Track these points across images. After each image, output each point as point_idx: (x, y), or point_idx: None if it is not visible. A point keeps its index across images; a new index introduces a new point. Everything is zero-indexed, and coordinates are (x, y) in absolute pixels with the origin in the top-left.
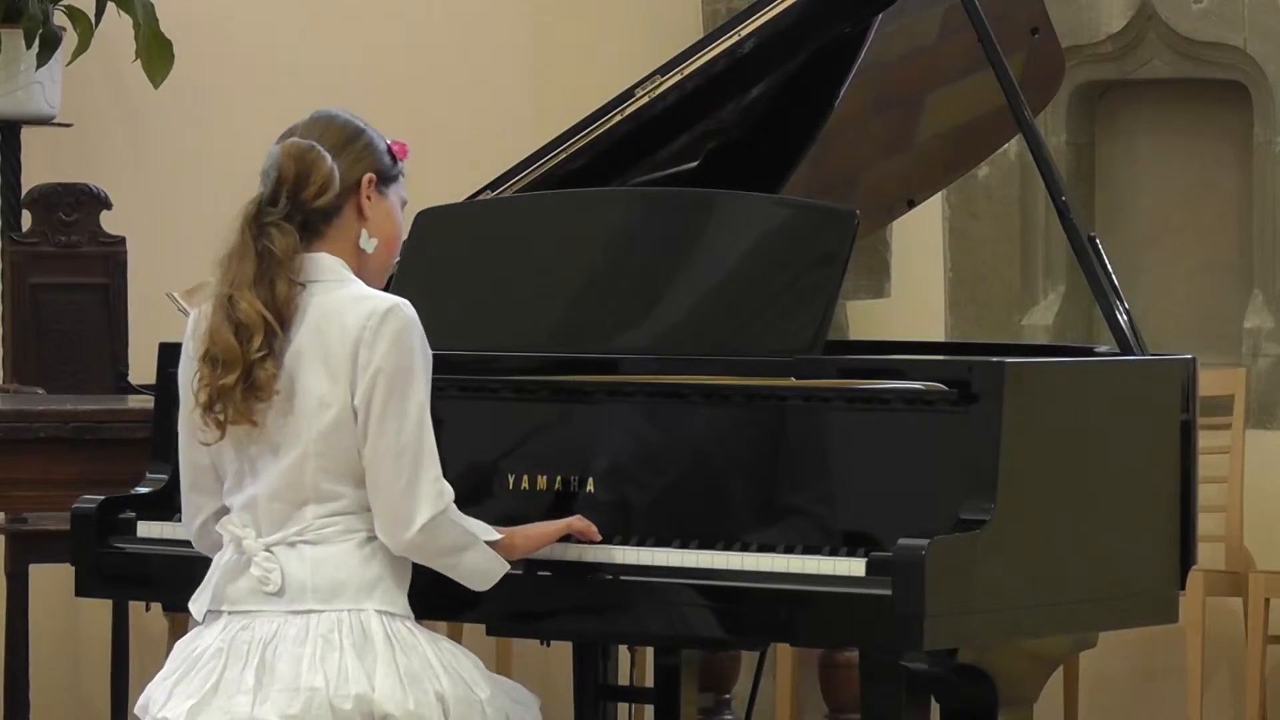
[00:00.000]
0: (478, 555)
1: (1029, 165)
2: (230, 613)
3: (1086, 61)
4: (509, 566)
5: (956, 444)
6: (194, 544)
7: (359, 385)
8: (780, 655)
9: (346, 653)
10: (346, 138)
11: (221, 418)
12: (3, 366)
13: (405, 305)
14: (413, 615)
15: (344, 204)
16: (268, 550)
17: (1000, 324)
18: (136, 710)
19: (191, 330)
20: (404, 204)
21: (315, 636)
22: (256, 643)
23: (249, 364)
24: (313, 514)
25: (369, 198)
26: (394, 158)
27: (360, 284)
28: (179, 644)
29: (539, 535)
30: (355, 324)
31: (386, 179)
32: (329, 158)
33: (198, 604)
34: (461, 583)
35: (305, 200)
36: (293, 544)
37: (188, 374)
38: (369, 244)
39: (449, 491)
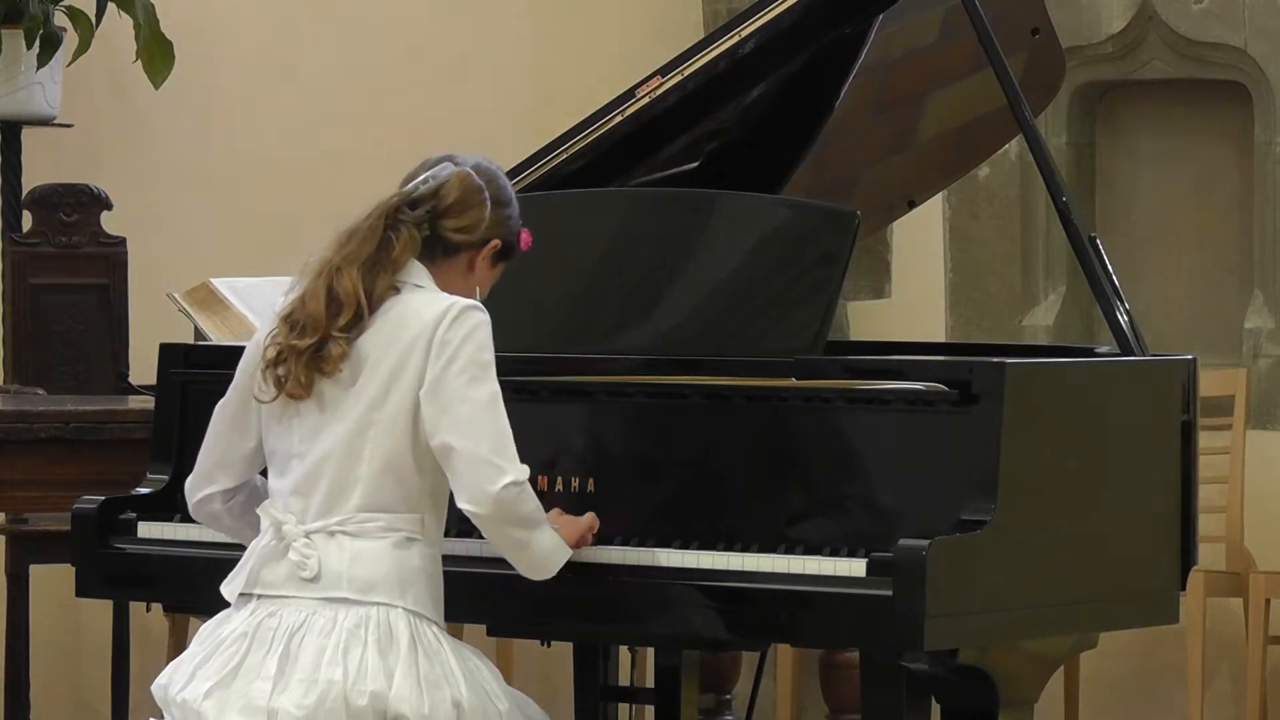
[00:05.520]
0: (548, 537)
1: (1030, 166)
2: (261, 596)
3: (1087, 62)
4: (570, 554)
5: (957, 444)
6: (192, 512)
7: (428, 375)
8: (781, 655)
9: (370, 649)
10: (503, 200)
11: (283, 379)
12: (3, 366)
13: (480, 307)
14: (443, 621)
15: (465, 250)
16: (307, 537)
17: (1000, 324)
18: (154, 688)
19: (276, 311)
20: (494, 285)
21: (341, 629)
22: (282, 631)
23: (327, 336)
24: (356, 505)
25: (484, 259)
26: (518, 241)
27: (439, 291)
28: (205, 626)
29: (574, 534)
30: (432, 318)
31: (504, 254)
32: (489, 209)
33: (230, 586)
34: (523, 568)
35: (444, 226)
36: (332, 534)
37: (254, 349)
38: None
39: (527, 470)
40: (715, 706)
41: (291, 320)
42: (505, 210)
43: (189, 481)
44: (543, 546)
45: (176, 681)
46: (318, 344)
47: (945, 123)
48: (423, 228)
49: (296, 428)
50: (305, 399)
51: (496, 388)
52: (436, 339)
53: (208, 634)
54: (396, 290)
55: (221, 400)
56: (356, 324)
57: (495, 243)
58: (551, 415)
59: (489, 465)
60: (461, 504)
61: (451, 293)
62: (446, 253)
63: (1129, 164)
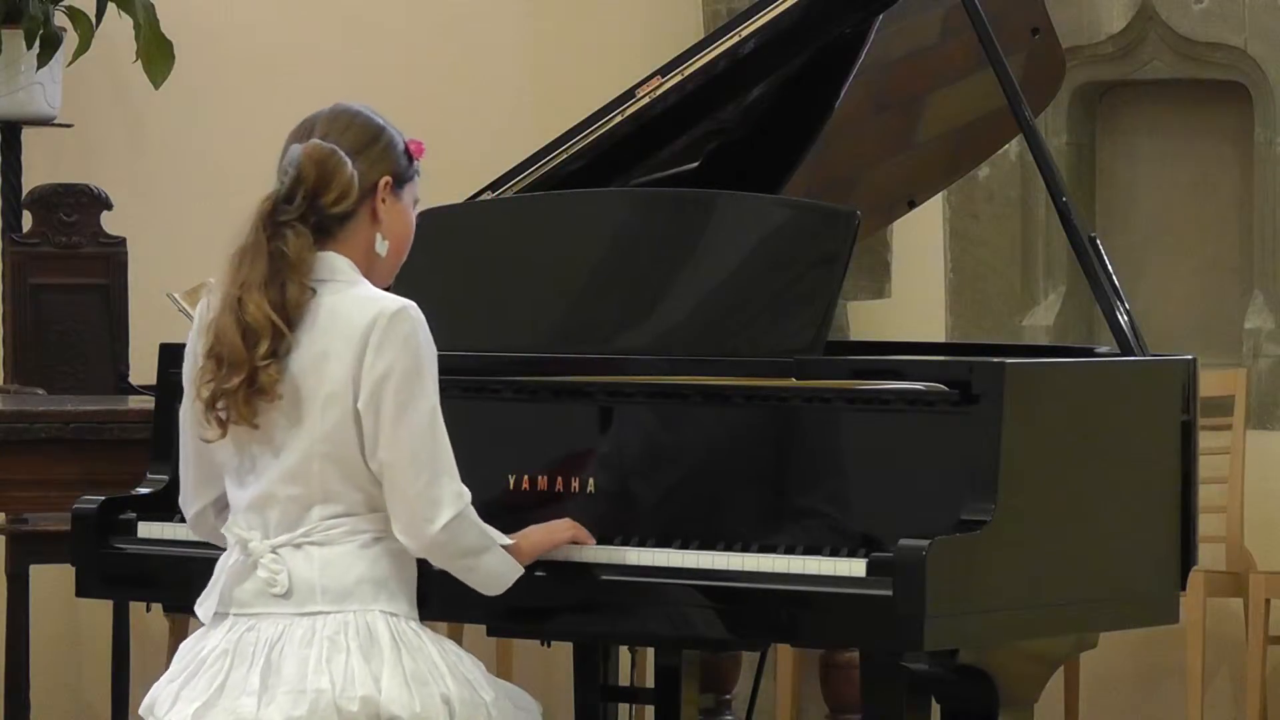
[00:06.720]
0: (495, 559)
1: (1030, 166)
2: (236, 614)
3: (1087, 62)
4: (522, 571)
5: (957, 444)
6: (190, 528)
7: (363, 388)
8: (781, 656)
9: (353, 654)
10: (368, 139)
11: (224, 416)
12: (3, 366)
13: (412, 307)
14: (418, 616)
15: (359, 208)
16: (274, 552)
17: (1000, 324)
18: (141, 711)
19: (198, 324)
20: (417, 203)
21: (321, 638)
22: (262, 644)
23: (254, 369)
24: (319, 515)
25: (384, 200)
26: (410, 157)
27: (367, 285)
28: (184, 645)
29: (543, 543)
30: (362, 326)
31: (402, 180)
32: (349, 164)
33: (204, 607)
34: (475, 587)
35: (323, 205)
36: (299, 545)
37: (192, 367)
38: (383, 247)
39: (467, 492)
40: (715, 706)
41: (216, 356)
42: (375, 146)
43: (180, 499)
44: (488, 570)
45: (162, 702)
46: (248, 379)
47: (945, 123)
48: (307, 218)
49: (248, 446)
50: (254, 429)
51: (434, 401)
52: (370, 348)
53: (187, 652)
54: (313, 292)
55: (180, 411)
56: (281, 344)
57: (385, 180)
58: (551, 416)
59: (425, 502)
60: (397, 534)
61: (369, 247)
62: (343, 222)
63: (1129, 164)
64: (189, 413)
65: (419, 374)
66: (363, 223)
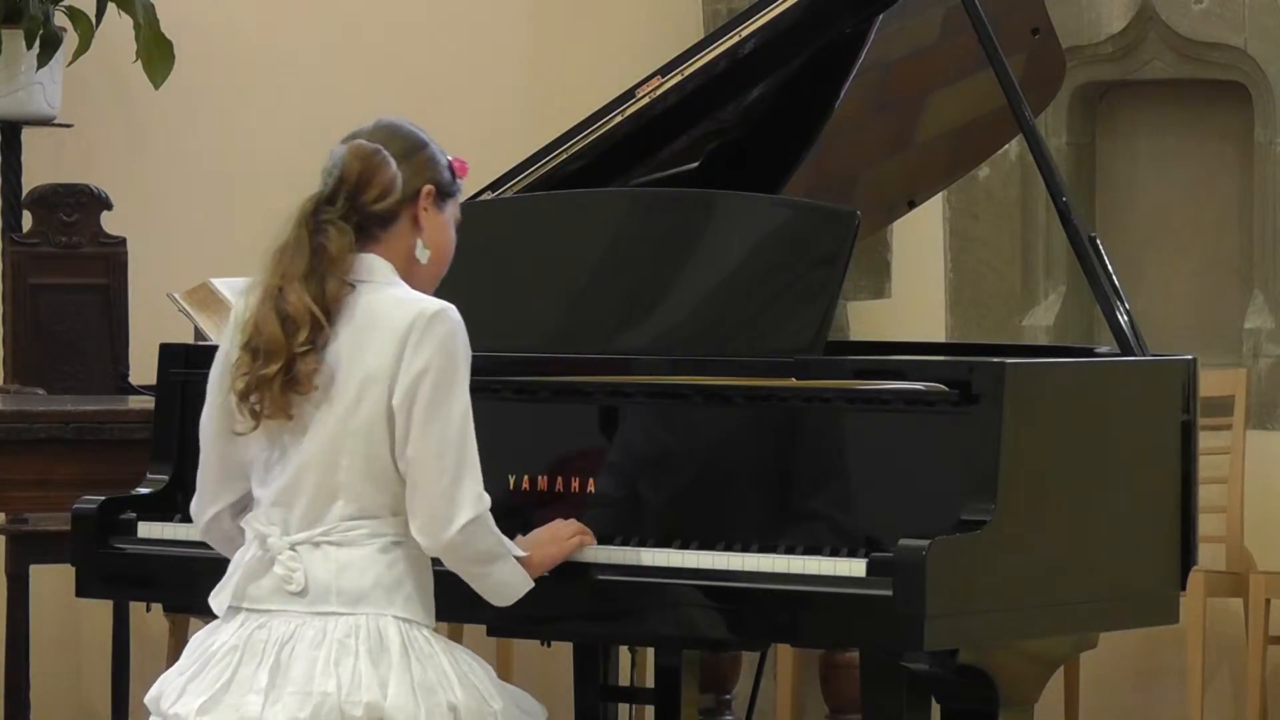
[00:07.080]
0: (507, 568)
1: (1030, 166)
2: (249, 610)
3: (1087, 62)
4: (532, 585)
5: (957, 444)
6: (201, 535)
7: (399, 385)
8: (781, 656)
9: (361, 659)
10: (411, 147)
11: (258, 408)
12: (3, 366)
13: (451, 310)
14: (434, 622)
15: (401, 212)
16: (292, 549)
17: (1000, 324)
18: (147, 701)
19: (234, 321)
20: (458, 222)
21: (332, 640)
22: (272, 643)
23: (292, 356)
24: (340, 514)
25: (425, 209)
26: (454, 174)
27: (406, 287)
28: (195, 638)
29: (554, 556)
30: (402, 325)
31: (445, 194)
32: (393, 164)
33: (218, 599)
34: (484, 595)
35: (364, 203)
36: (318, 544)
37: (223, 363)
38: (423, 255)
39: (487, 498)
40: (715, 706)
41: (252, 349)
42: (419, 155)
43: (194, 505)
44: (500, 579)
45: (168, 695)
46: (285, 367)
47: (945, 123)
48: (350, 217)
49: (278, 440)
50: (287, 420)
51: (466, 402)
52: (409, 346)
53: (197, 645)
54: (352, 288)
55: (202, 417)
56: (319, 335)
57: (428, 188)
58: (551, 416)
59: (445, 502)
60: (414, 532)
61: (410, 253)
62: (385, 225)
63: (1129, 164)
64: (217, 411)
65: (454, 375)
66: (404, 227)
